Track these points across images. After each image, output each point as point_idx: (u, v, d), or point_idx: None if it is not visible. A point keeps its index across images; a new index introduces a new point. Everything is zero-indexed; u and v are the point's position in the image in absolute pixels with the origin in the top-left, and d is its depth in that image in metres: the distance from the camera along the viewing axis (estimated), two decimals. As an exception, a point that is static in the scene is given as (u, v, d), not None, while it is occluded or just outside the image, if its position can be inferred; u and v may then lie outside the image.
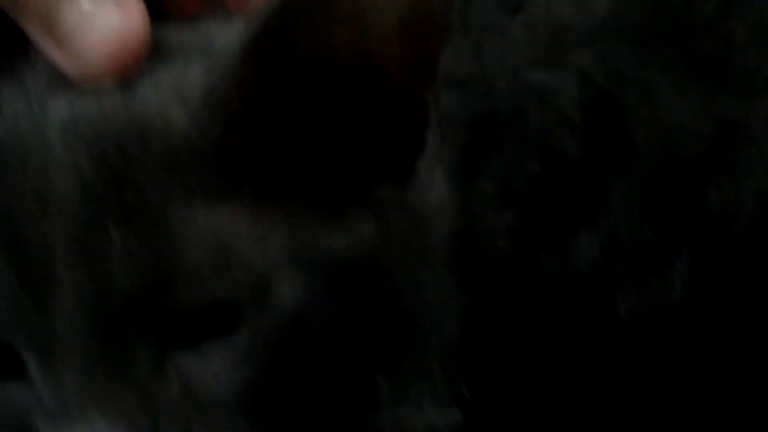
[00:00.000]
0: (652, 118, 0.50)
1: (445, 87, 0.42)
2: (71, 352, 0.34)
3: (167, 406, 0.34)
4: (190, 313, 0.34)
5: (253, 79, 0.35)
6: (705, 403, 0.54)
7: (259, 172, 0.36)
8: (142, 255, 0.33)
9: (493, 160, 0.47)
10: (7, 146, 0.35)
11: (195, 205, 0.34)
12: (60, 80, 0.36)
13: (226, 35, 0.38)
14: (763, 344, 0.54)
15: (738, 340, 0.54)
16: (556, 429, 0.54)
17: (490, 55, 0.47)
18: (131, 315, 0.34)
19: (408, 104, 0.38)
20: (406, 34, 0.36)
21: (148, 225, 0.34)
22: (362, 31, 0.36)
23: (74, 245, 0.34)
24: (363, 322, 0.38)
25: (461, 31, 0.47)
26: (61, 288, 0.34)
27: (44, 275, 0.34)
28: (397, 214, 0.39)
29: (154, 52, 0.37)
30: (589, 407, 0.54)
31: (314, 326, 0.36)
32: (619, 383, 0.54)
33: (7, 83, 0.37)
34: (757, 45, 0.51)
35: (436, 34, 0.37)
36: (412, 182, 0.40)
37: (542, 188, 0.48)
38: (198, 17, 0.41)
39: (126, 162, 0.34)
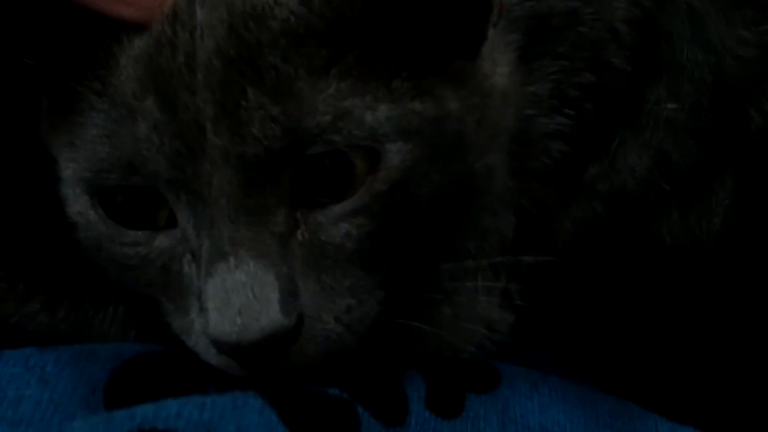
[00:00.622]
0: (698, 41, 0.51)
1: None
2: (223, 205, 0.39)
3: (300, 253, 0.40)
4: (316, 173, 0.39)
5: None
6: (734, 336, 0.56)
7: (362, 48, 0.40)
8: (275, 115, 0.38)
9: (547, 63, 0.49)
10: (169, 9, 0.39)
11: (319, 76, 0.39)
12: None
13: None
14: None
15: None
16: (595, 338, 0.55)
17: None
18: (268, 171, 0.39)
19: None
20: None
21: (280, 90, 0.38)
22: None
23: (218, 105, 0.38)
24: (448, 189, 0.42)
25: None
26: (211, 145, 0.38)
27: (196, 133, 0.38)
28: (472, 91, 0.43)
29: None
30: (623, 324, 0.56)
31: (414, 188, 0.41)
32: (654, 306, 0.55)
33: None
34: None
35: None
36: (479, 65, 0.44)
37: (593, 95, 0.50)
38: None
39: (254, 34, 0.38)
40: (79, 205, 0.42)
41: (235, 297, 0.38)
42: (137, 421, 0.36)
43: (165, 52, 0.38)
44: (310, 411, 0.40)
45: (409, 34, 0.41)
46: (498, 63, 0.46)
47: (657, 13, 0.51)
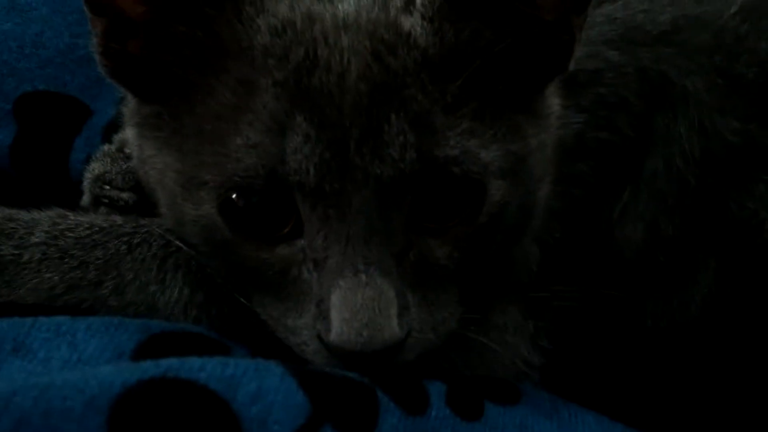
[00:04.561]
0: (691, 120, 0.55)
1: None
2: (361, 224, 0.42)
3: (410, 272, 0.44)
4: (431, 200, 0.44)
5: None
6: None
7: (475, 90, 0.44)
8: (413, 142, 0.42)
9: (572, 113, 0.53)
10: (315, 35, 0.43)
11: (451, 114, 0.43)
12: None
13: None
14: None
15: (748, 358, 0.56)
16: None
17: None
18: (398, 194, 0.42)
19: (557, 31, 0.46)
20: None
21: (419, 120, 0.42)
22: None
23: (363, 127, 0.42)
24: (518, 218, 0.47)
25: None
26: (352, 165, 0.42)
27: (340, 150, 0.42)
28: (543, 127, 0.48)
29: None
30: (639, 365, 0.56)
31: (503, 219, 0.45)
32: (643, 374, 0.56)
33: None
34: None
35: None
36: (546, 100, 0.49)
37: (607, 151, 0.54)
38: None
39: (398, 64, 0.42)
40: (204, 207, 0.44)
41: (364, 312, 0.41)
42: (162, 369, 0.37)
43: (318, 73, 0.42)
44: (330, 385, 0.40)
45: (507, 71, 0.45)
46: (554, 102, 0.50)
47: (662, 92, 0.55)
